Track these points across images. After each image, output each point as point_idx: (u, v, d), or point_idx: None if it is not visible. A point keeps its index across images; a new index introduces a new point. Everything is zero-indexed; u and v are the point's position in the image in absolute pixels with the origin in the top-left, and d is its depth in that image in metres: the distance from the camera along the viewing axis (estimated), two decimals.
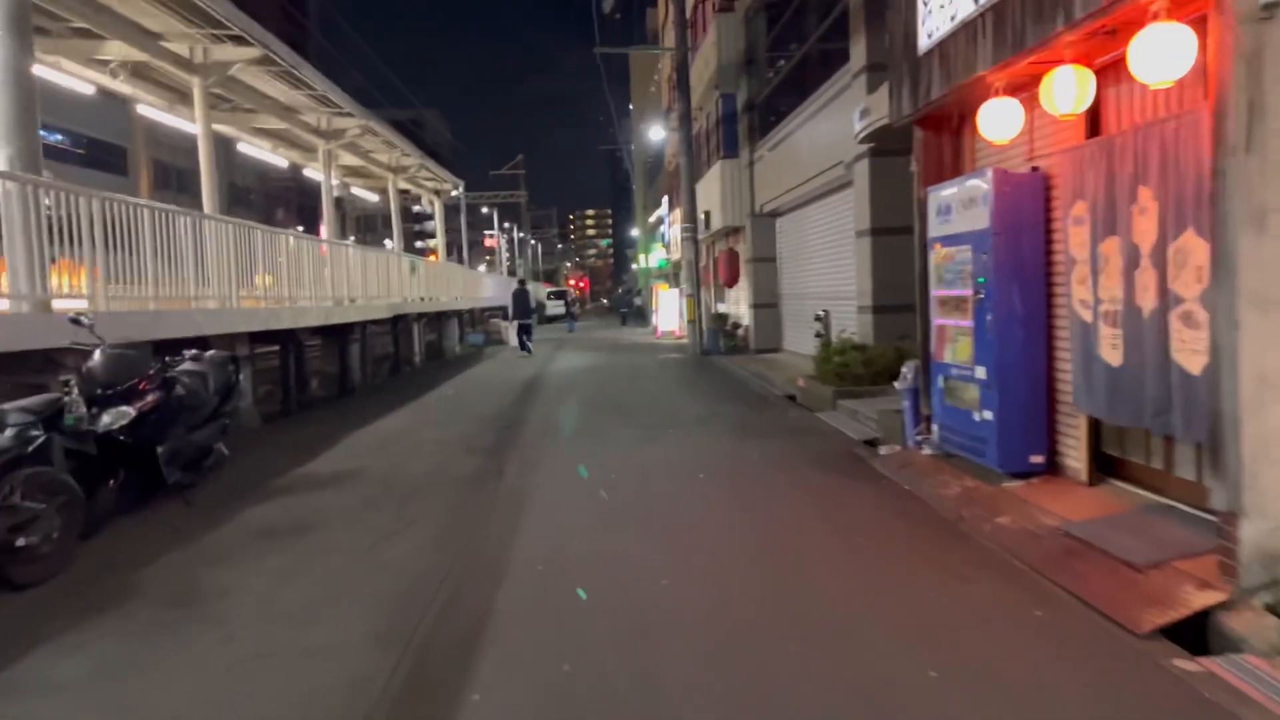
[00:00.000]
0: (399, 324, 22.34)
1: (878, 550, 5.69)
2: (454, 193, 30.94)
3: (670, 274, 48.92)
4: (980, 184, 6.80)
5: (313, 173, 21.90)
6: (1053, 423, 6.82)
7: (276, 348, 14.84)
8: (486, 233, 61.21)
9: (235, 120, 18.18)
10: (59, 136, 41.50)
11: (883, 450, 8.73)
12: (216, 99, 16.45)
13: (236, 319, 11.67)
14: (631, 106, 74.04)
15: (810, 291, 19.05)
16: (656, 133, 27.42)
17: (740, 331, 24.19)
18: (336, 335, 17.53)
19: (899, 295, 12.73)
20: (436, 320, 27.64)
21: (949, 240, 7.45)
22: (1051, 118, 6.39)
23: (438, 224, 29.59)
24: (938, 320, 7.78)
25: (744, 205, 22.91)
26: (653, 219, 52.08)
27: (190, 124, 18.34)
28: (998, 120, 6.42)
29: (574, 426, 11.16)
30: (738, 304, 25.97)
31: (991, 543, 5.77)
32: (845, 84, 14.00)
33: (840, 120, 14.47)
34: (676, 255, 39.30)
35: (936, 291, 7.77)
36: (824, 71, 15.97)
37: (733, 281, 24.12)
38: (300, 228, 58.86)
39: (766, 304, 22.12)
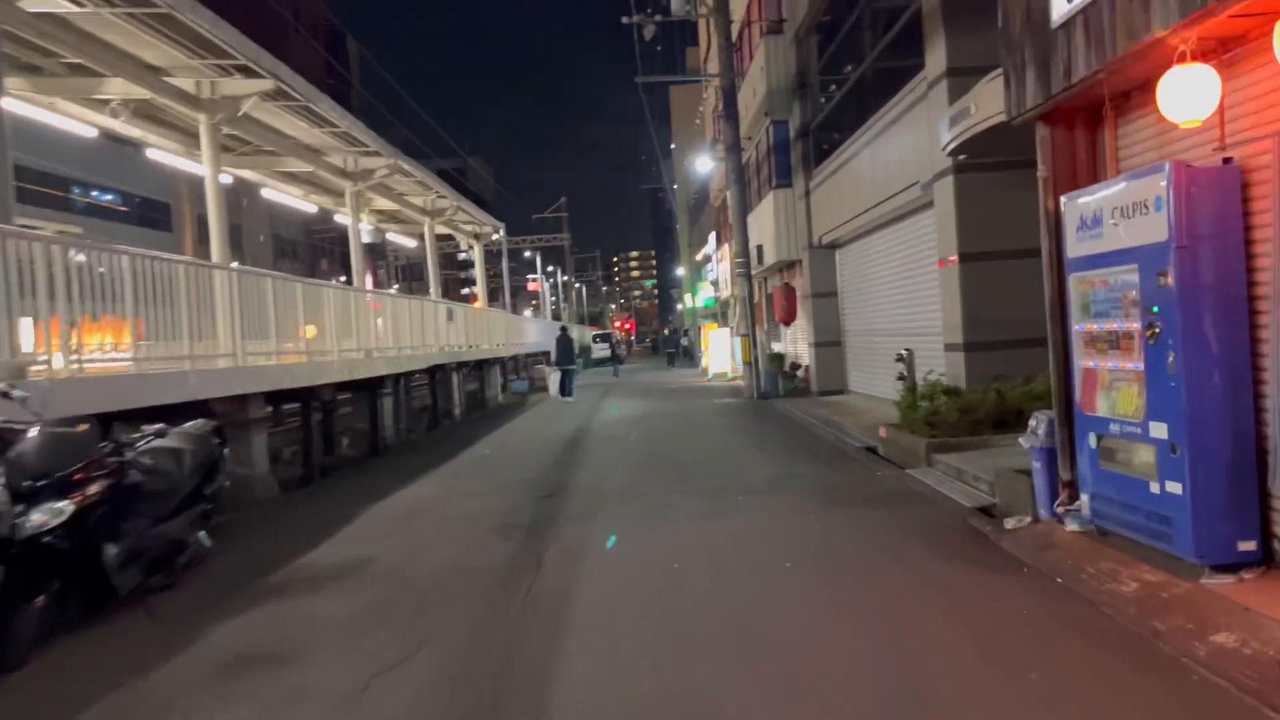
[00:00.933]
0: (437, 374, 21.07)
1: (1060, 693, 4.02)
2: (494, 236, 29.85)
3: (718, 313, 47.45)
4: (1153, 183, 5.19)
5: (344, 218, 20.84)
6: (1266, 498, 5.11)
7: (299, 405, 13.61)
8: (530, 277, 60.25)
9: (257, 164, 17.16)
10: (110, 195, 41.68)
11: (1009, 523, 7.04)
12: (235, 141, 15.44)
13: (240, 379, 10.35)
14: (674, 145, 73.30)
15: (879, 327, 17.38)
16: (704, 164, 26.10)
17: (800, 372, 22.52)
18: (367, 390, 16.27)
19: (995, 330, 11.08)
20: (478, 369, 26.40)
21: (1099, 260, 5.82)
22: (1254, 91, 4.78)
23: (478, 268, 28.47)
24: (1085, 362, 6.13)
25: (800, 237, 21.37)
26: (699, 256, 50.76)
27: (229, 173, 17.45)
28: (1184, 94, 4.82)
29: (624, 493, 9.60)
30: (795, 343, 24.33)
31: (1219, 677, 4.08)
32: (919, 95, 12.47)
33: (913, 136, 12.93)
34: (725, 293, 37.82)
35: (1081, 326, 6.13)
36: (887, 89, 14.47)
37: (790, 319, 22.51)
38: (343, 278, 58.68)
39: (828, 342, 20.47)
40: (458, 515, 8.85)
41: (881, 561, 6.38)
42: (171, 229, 51.81)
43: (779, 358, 25.10)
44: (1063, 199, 6.28)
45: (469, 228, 27.69)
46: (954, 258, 11.63)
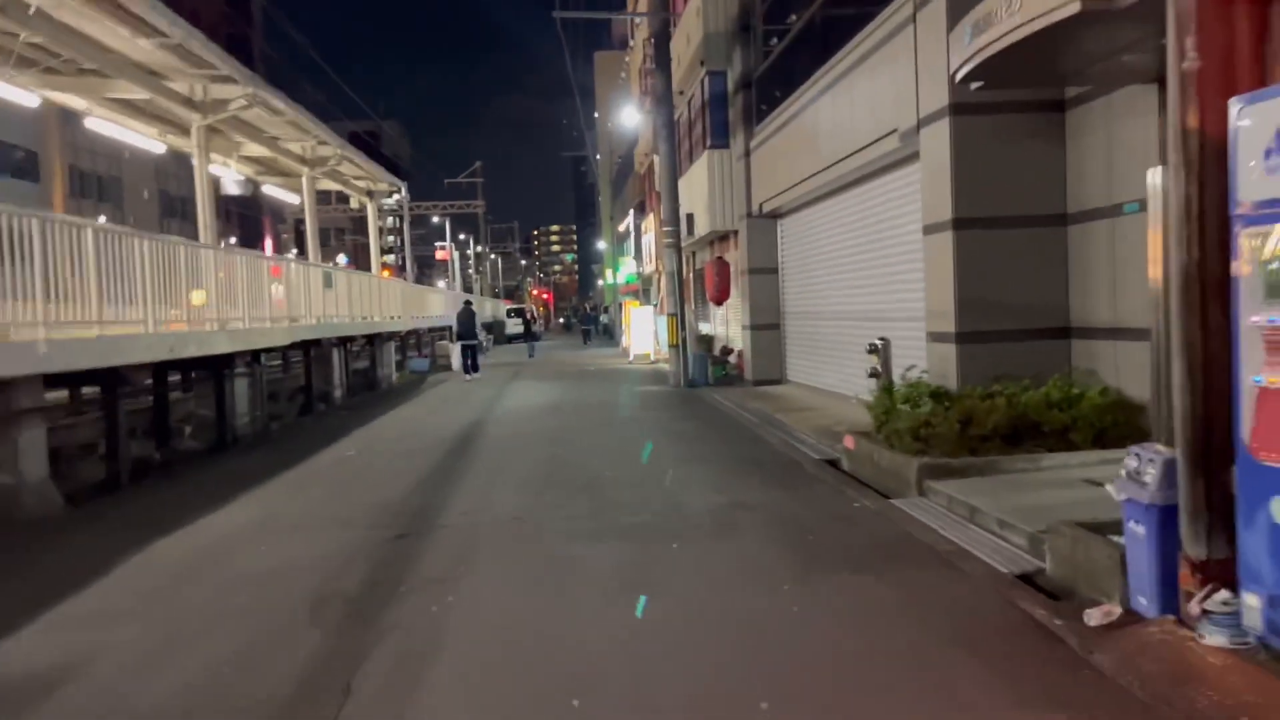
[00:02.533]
0: (313, 351, 17.99)
1: None
2: (394, 197, 26.60)
3: (640, 289, 44.86)
4: None
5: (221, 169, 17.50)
6: None
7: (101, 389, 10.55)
8: (438, 244, 56.58)
9: (81, 86, 13.84)
10: None
11: (1092, 618, 4.57)
12: (40, 52, 12.16)
13: None
14: (597, 115, 70.28)
15: (828, 310, 14.97)
16: (630, 116, 23.36)
17: (731, 358, 20.07)
18: (212, 368, 13.21)
19: (997, 317, 8.72)
20: (369, 344, 23.30)
21: None
22: None
23: (370, 230, 25.21)
24: (1269, 376, 3.67)
25: (737, 205, 18.84)
26: (621, 228, 48.00)
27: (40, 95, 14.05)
28: None
29: (512, 535, 6.90)
30: (726, 324, 21.87)
31: None
32: (903, 20, 9.96)
33: (890, 75, 10.46)
34: (649, 268, 35.20)
35: (1265, 317, 3.67)
36: (849, 28, 11.98)
37: (722, 297, 20.02)
38: (232, 240, 54.13)
39: (766, 325, 18.03)
40: (260, 572, 6.02)
41: (909, 696, 3.84)
42: (39, 180, 46.86)
43: (708, 340, 22.65)
44: (1234, 104, 3.79)
45: (361, 183, 24.43)
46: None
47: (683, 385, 18.66)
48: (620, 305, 43.40)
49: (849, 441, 9.27)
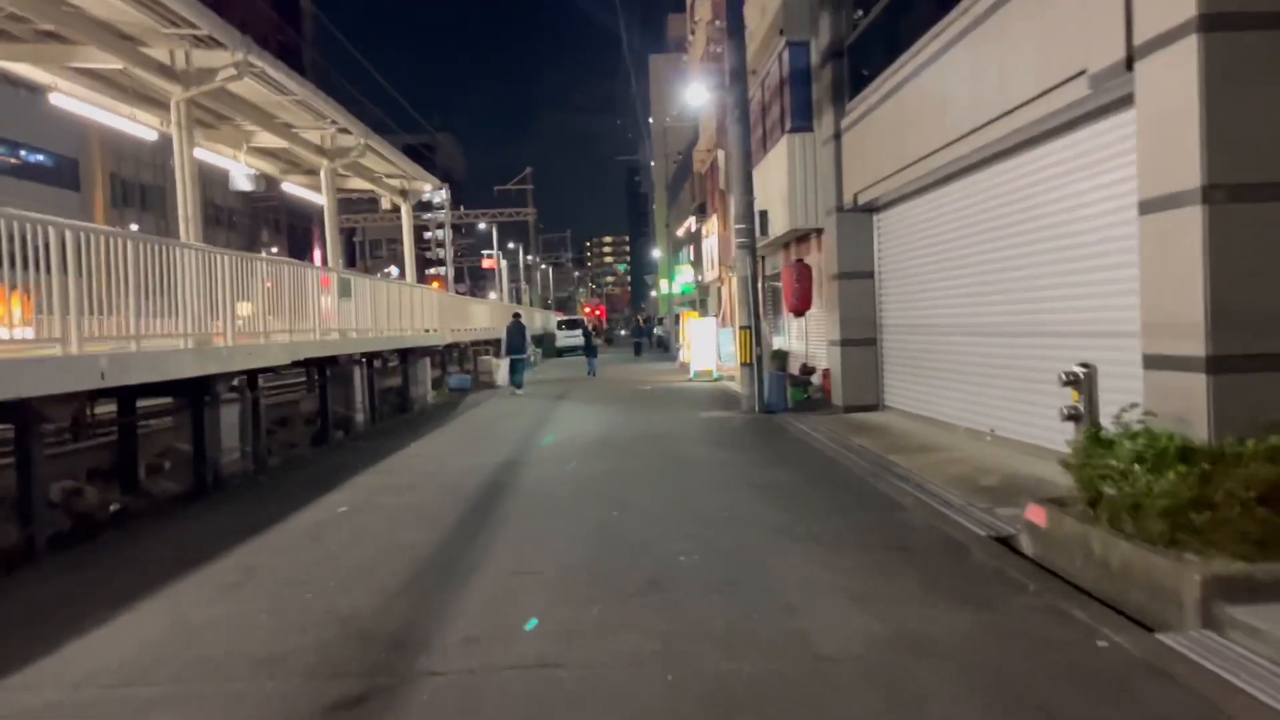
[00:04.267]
0: (328, 370, 15.52)
1: None
2: (434, 195, 24.16)
3: (697, 300, 42.04)
4: None
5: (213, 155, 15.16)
6: None
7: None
8: (485, 253, 54.27)
9: (43, 55, 11.54)
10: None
11: None
12: None
13: None
14: (651, 120, 67.86)
15: (947, 322, 12.03)
16: (695, 95, 20.54)
17: (814, 379, 17.12)
18: (190, 394, 10.79)
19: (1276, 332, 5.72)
20: (402, 361, 20.85)
21: None
22: None
23: (405, 234, 22.71)
24: None
25: (823, 198, 15.96)
26: (680, 231, 45.17)
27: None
28: None
29: (540, 701, 4.11)
30: (805, 339, 18.93)
31: None
32: None
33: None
34: (710, 275, 32.39)
35: None
36: None
37: (803, 307, 17.10)
38: (274, 250, 52.20)
39: (859, 340, 15.07)
40: None
41: None
42: (79, 188, 45.55)
43: (782, 357, 19.73)
44: None
45: (395, 182, 21.98)
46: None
47: (757, 411, 15.78)
48: (677, 317, 40.62)
49: (1037, 515, 6.33)
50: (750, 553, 6.46)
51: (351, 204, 54.14)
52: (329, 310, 14.93)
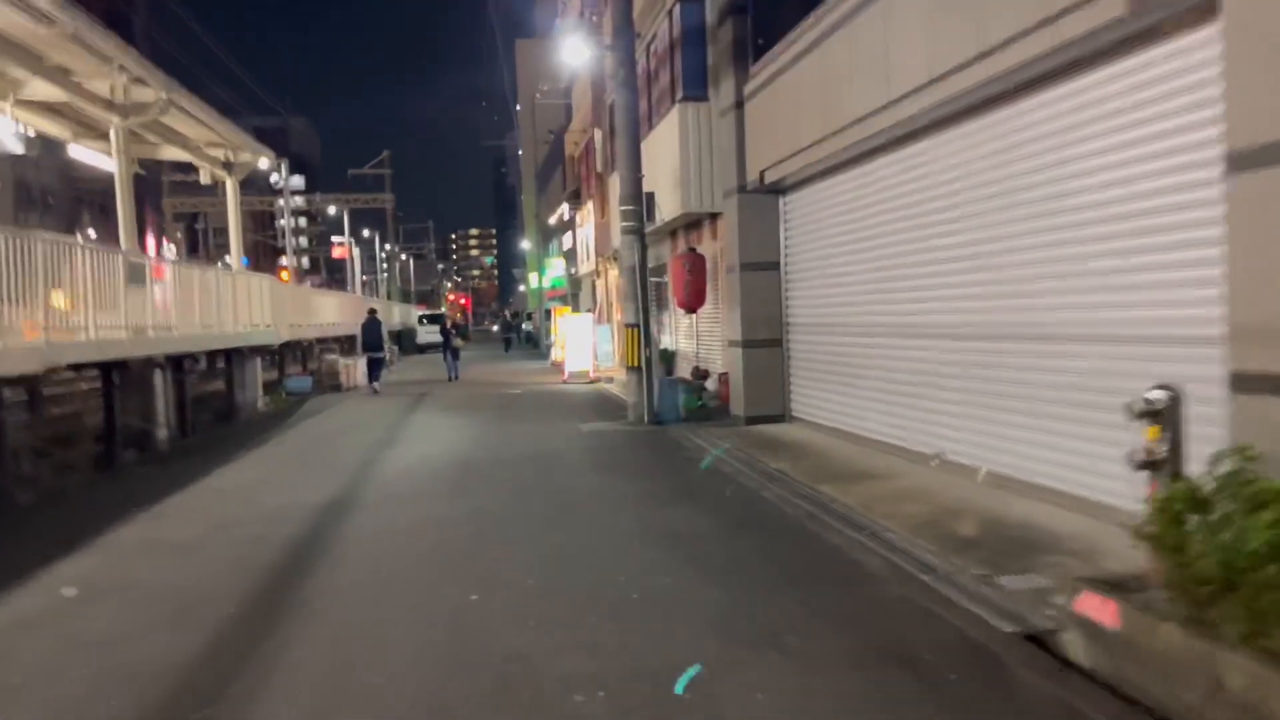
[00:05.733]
0: (117, 374, 12.45)
1: None
2: (262, 165, 20.91)
3: (569, 294, 39.69)
4: None
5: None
6: None
7: None
8: (335, 239, 50.28)
9: None
10: None
11: None
12: None
13: None
14: (519, 108, 65.03)
15: (879, 321, 10.12)
16: (573, 51, 18.08)
17: (709, 384, 15.07)
18: None
19: None
20: (229, 361, 17.71)
21: None
22: None
23: (230, 211, 19.40)
24: None
25: (720, 177, 13.91)
26: (553, 219, 42.63)
27: None
28: None
29: None
30: (696, 338, 16.87)
31: None
32: None
33: None
34: (587, 268, 30.08)
35: None
36: None
37: (695, 303, 15.00)
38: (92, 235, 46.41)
39: (762, 341, 13.06)
40: None
41: None
42: None
43: (669, 357, 17.67)
44: None
45: (216, 152, 18.68)
46: None
47: (647, 422, 13.59)
48: (548, 312, 38.14)
49: (1102, 611, 4.30)
50: (690, 680, 4.18)
51: (194, 187, 48.86)
52: (113, 300, 11.86)
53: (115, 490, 9.94)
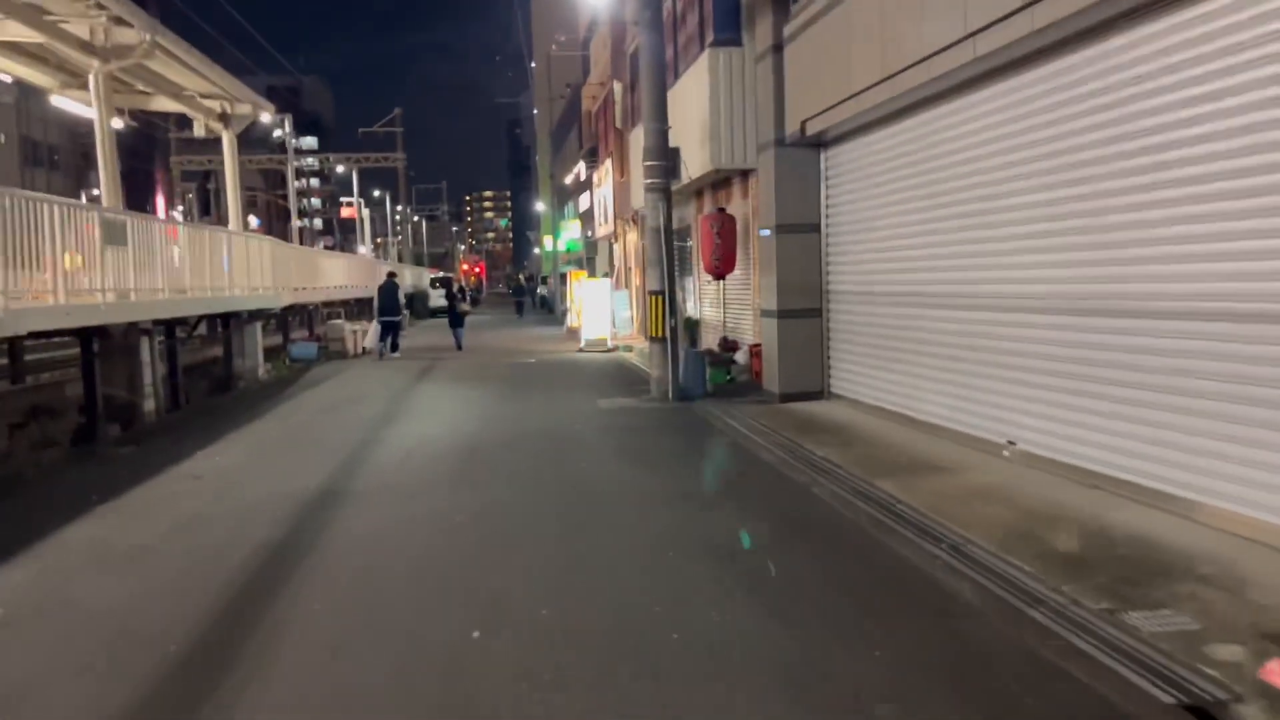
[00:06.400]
0: (101, 341, 11.46)
1: None
2: (264, 119, 19.74)
3: (585, 258, 38.48)
4: None
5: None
6: None
7: None
8: (344, 200, 49.06)
9: None
10: None
11: None
12: None
13: None
14: (534, 65, 63.43)
15: (930, 290, 8.95)
16: None
17: (738, 356, 13.93)
18: None
19: None
20: (226, 327, 16.73)
21: None
22: None
23: (228, 167, 18.26)
24: None
25: (755, 131, 12.68)
26: (568, 179, 41.32)
27: None
28: None
29: None
30: (722, 306, 15.70)
31: None
32: None
33: None
34: (604, 230, 28.84)
35: None
36: None
37: (725, 268, 13.81)
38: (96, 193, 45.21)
39: (799, 310, 11.89)
40: None
41: None
42: None
43: (693, 326, 16.51)
44: None
45: (213, 103, 17.49)
46: None
47: (671, 398, 12.48)
48: (563, 277, 36.96)
49: None
50: None
51: (205, 144, 47.49)
52: (90, 259, 10.79)
53: (82, 474, 8.93)
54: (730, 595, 4.91)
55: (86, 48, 12.71)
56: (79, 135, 52.53)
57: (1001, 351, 7.93)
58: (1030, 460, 7.48)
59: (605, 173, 26.28)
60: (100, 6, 11.84)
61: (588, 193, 32.36)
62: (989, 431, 8.13)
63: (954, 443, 8.56)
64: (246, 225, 45.37)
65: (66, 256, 10.02)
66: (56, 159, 53.15)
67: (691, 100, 14.02)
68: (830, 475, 7.71)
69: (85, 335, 11.35)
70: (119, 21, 12.38)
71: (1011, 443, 7.77)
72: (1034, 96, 7.21)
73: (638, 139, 16.64)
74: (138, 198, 63.05)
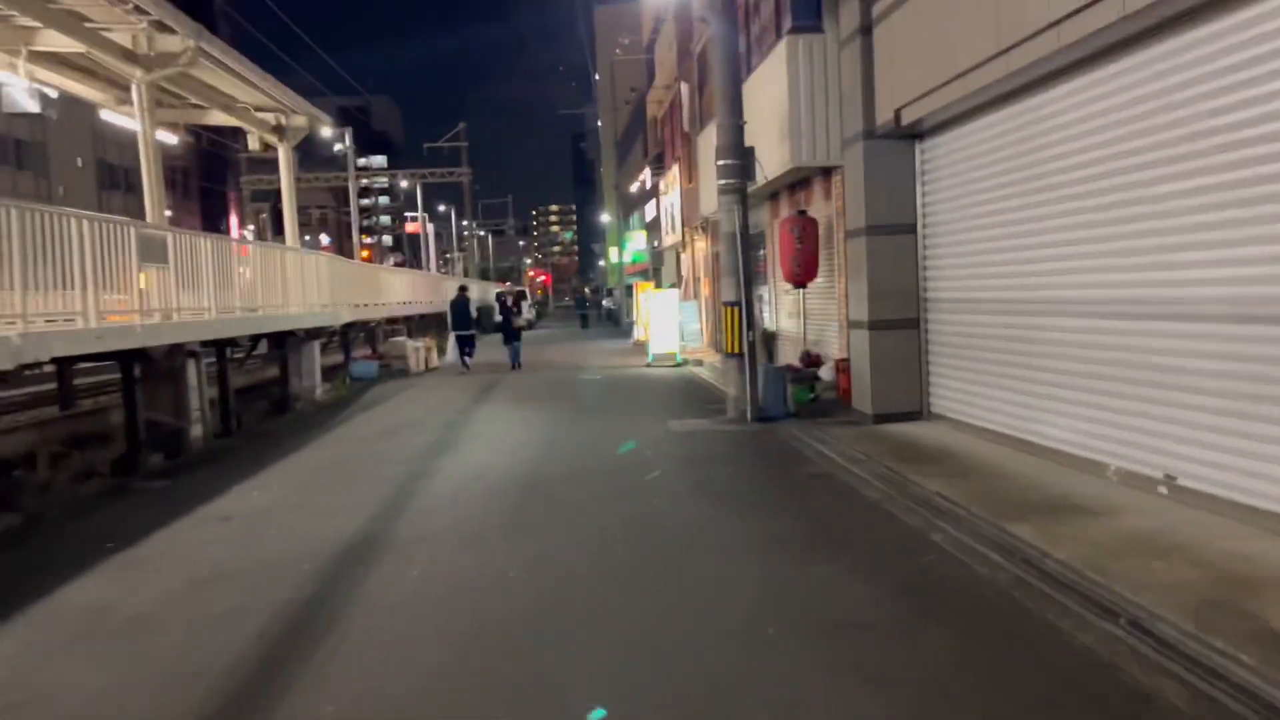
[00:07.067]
0: (142, 364, 10.84)
1: None
2: (323, 134, 19.20)
3: (651, 269, 37.49)
4: None
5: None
6: None
7: None
8: (409, 215, 48.83)
9: None
10: None
11: None
12: None
13: None
14: (598, 77, 63.00)
15: (1057, 295, 7.67)
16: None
17: (823, 372, 12.72)
18: None
19: None
20: (282, 346, 16.13)
21: None
22: None
23: (284, 184, 17.67)
24: None
25: (840, 123, 11.51)
26: (633, 187, 40.42)
27: None
28: None
29: None
30: (801, 317, 14.48)
31: None
32: None
33: None
34: (671, 240, 27.82)
35: None
36: None
37: (808, 275, 12.64)
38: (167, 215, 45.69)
39: (894, 321, 10.65)
40: None
41: None
42: None
43: (770, 338, 15.37)
44: None
45: (268, 116, 16.94)
46: None
47: (750, 420, 11.34)
48: (629, 288, 36.00)
49: None
50: None
51: (275, 165, 47.69)
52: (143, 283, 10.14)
53: (109, 513, 8.16)
54: (850, 699, 3.78)
55: (129, 56, 12.14)
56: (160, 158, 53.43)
57: (1153, 368, 6.64)
58: (1194, 499, 6.18)
59: (672, 179, 25.26)
60: (140, 11, 11.23)
61: (653, 201, 31.36)
62: (1135, 462, 6.84)
63: (1084, 473, 7.28)
64: (316, 243, 45.22)
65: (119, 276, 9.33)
66: (132, 181, 54.05)
67: (767, 94, 12.90)
68: (950, 517, 6.50)
69: (125, 359, 10.70)
70: (161, 27, 11.77)
71: (1171, 477, 6.47)
72: (1195, 61, 5.94)
73: (707, 141, 15.60)
74: (212, 218, 64.00)
